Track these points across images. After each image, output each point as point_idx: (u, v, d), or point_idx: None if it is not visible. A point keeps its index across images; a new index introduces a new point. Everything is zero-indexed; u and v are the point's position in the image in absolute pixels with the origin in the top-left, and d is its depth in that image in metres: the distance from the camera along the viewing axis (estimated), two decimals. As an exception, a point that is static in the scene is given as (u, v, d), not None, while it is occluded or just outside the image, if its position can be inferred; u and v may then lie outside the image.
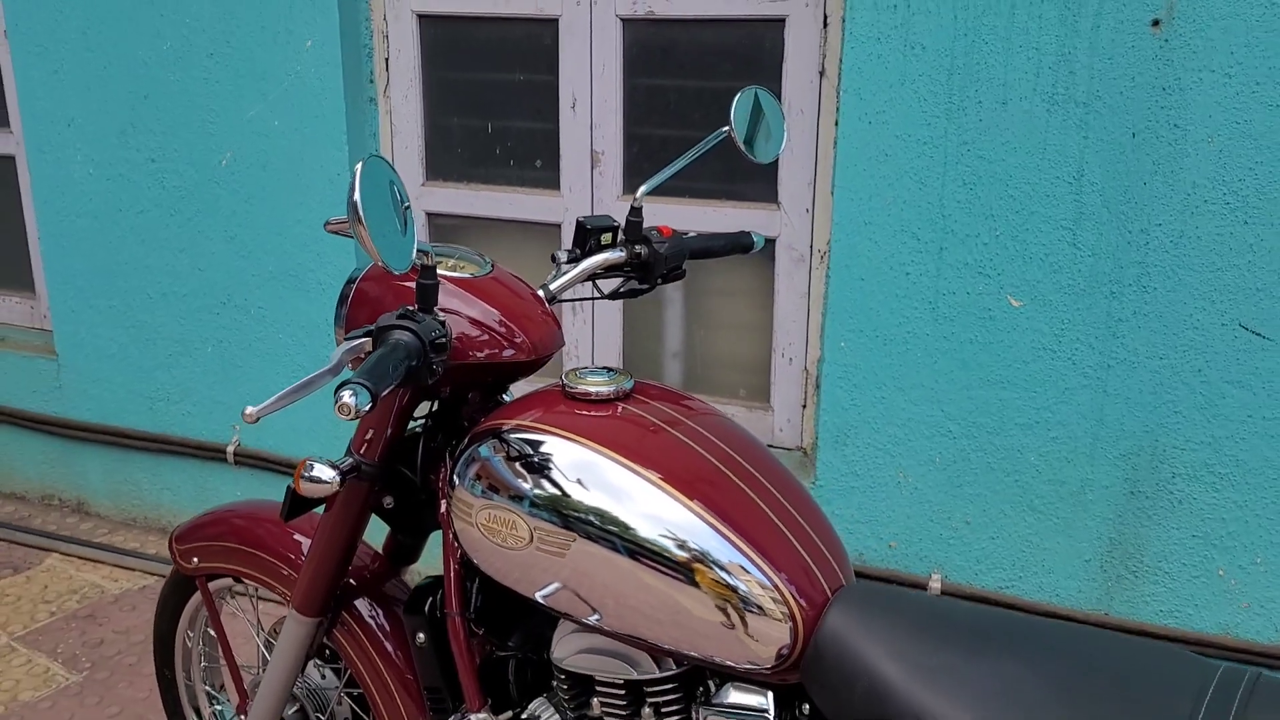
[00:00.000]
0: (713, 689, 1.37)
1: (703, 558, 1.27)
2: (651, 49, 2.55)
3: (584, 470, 1.33)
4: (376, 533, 1.62)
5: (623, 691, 1.41)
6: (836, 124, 2.37)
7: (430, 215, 2.85)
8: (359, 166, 1.13)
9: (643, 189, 1.62)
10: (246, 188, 2.88)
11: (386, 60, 2.76)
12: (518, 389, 1.56)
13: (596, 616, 1.34)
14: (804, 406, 2.60)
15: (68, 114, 3.02)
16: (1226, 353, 2.16)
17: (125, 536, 3.29)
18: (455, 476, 1.44)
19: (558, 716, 1.49)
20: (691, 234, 1.72)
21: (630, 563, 1.30)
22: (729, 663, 1.28)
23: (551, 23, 2.59)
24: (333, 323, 1.70)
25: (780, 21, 2.40)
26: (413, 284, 1.41)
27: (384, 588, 1.78)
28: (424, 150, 2.81)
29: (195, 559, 1.90)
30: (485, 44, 2.70)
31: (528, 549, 1.34)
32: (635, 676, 1.39)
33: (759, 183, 2.53)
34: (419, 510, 1.61)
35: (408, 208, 1.23)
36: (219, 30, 2.78)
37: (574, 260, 1.63)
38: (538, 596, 1.38)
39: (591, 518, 1.31)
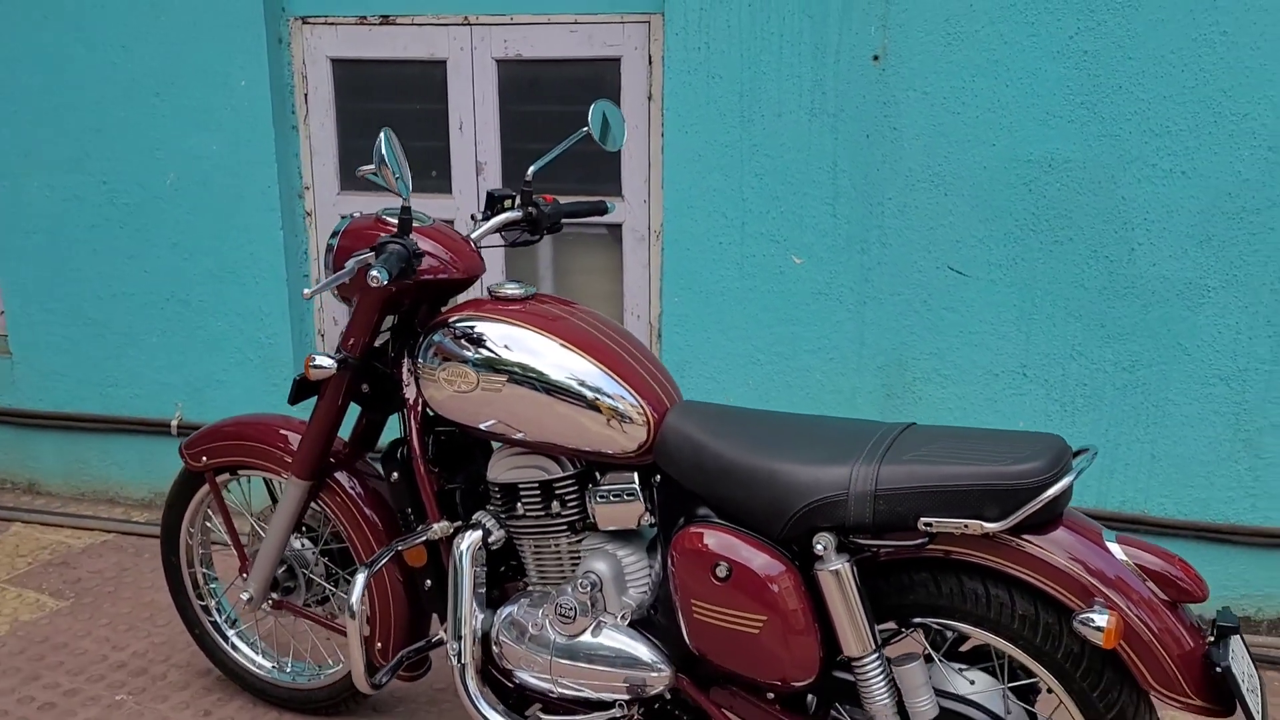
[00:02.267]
0: (598, 479, 2.12)
1: (596, 390, 2.02)
2: (521, 82, 3.33)
3: (510, 338, 2.07)
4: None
5: (538, 491, 2.15)
6: (663, 134, 3.19)
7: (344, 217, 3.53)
8: (383, 133, 1.88)
9: (532, 168, 2.39)
10: (189, 201, 3.51)
11: (305, 95, 3.45)
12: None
13: (522, 434, 2.08)
14: (649, 352, 3.39)
15: (24, 146, 3.59)
16: (941, 287, 3.06)
17: (78, 508, 3.81)
18: (420, 357, 2.16)
19: (493, 519, 2.21)
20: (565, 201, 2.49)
21: (546, 396, 2.04)
22: (610, 453, 2.03)
23: (441, 64, 3.34)
24: (318, 273, 2.38)
25: (617, 60, 3.22)
26: (376, 233, 2.16)
27: (356, 465, 2.48)
28: (338, 167, 3.50)
29: (205, 458, 2.55)
30: (388, 80, 3.43)
31: (476, 391, 2.08)
32: (547, 477, 2.13)
33: (608, 182, 3.32)
34: (387, 394, 2.32)
35: (405, 160, 1.98)
36: (164, 74, 3.42)
37: (487, 218, 2.37)
38: (482, 426, 2.11)
39: (517, 368, 2.05)
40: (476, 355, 2.08)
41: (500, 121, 3.35)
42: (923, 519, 1.75)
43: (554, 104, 3.33)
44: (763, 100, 3.05)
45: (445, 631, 2.26)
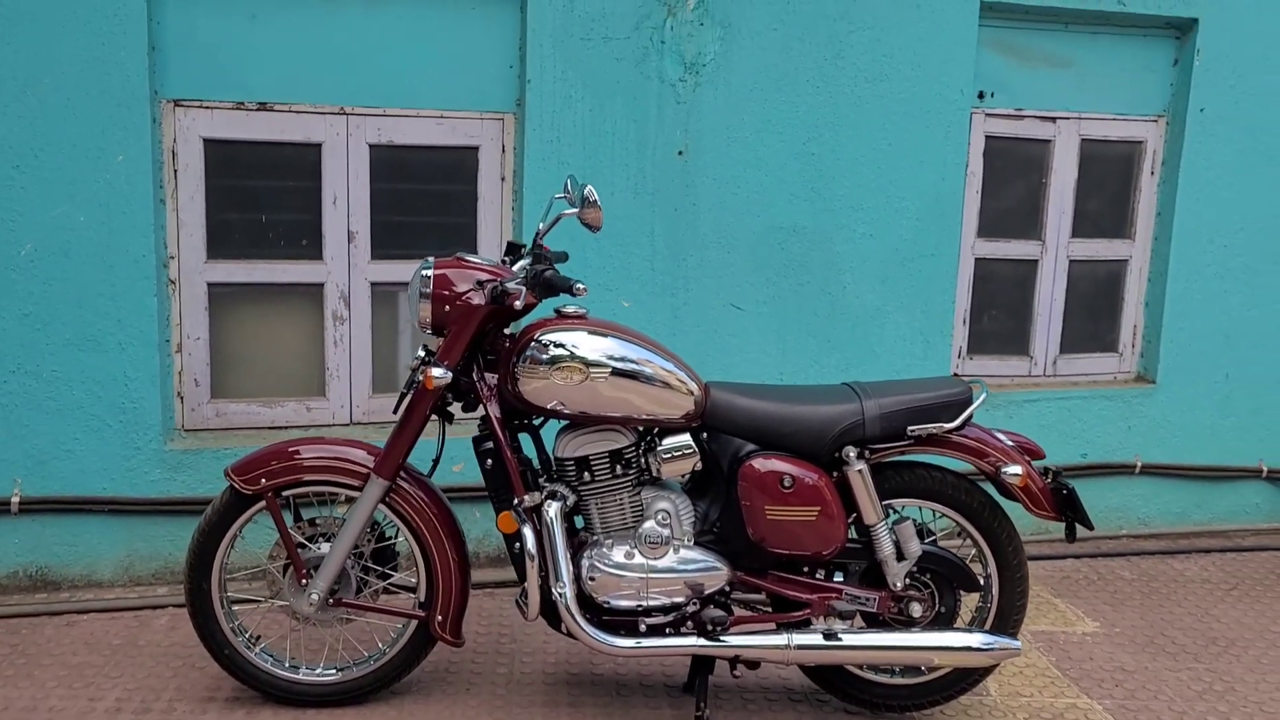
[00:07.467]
0: (655, 442, 2.90)
1: (668, 373, 2.82)
2: (391, 164, 3.90)
3: (602, 341, 2.81)
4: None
5: (607, 459, 2.88)
6: (513, 208, 3.97)
7: (211, 285, 3.78)
8: (568, 179, 2.60)
9: (541, 226, 3.10)
10: (45, 272, 3.52)
11: (175, 172, 3.68)
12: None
13: (610, 412, 2.80)
14: (501, 387, 4.07)
15: None
16: (727, 321, 4.18)
17: (-117, 609, 3.48)
18: (517, 365, 2.79)
19: (565, 488, 2.88)
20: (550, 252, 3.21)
21: (634, 382, 2.79)
22: (673, 418, 2.84)
23: (315, 146, 3.79)
24: (411, 308, 2.87)
25: (475, 148, 3.95)
26: (468, 270, 2.79)
27: (407, 469, 2.97)
28: (205, 237, 3.75)
29: (263, 480, 2.85)
30: (259, 159, 3.78)
31: (586, 382, 2.77)
32: (617, 446, 2.87)
33: (463, 246, 3.99)
34: (460, 400, 2.89)
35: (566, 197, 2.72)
36: (27, 148, 3.45)
37: (510, 263, 3.03)
38: (577, 411, 2.80)
39: (603, 358, 2.78)
40: (584, 355, 2.78)
41: (371, 196, 3.87)
42: (910, 427, 2.83)
43: (419, 183, 3.94)
44: (600, 181, 3.97)
45: (531, 586, 2.84)
